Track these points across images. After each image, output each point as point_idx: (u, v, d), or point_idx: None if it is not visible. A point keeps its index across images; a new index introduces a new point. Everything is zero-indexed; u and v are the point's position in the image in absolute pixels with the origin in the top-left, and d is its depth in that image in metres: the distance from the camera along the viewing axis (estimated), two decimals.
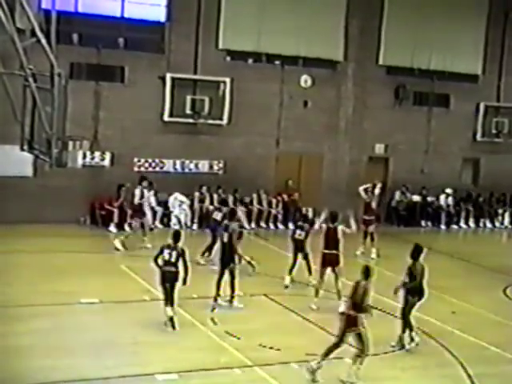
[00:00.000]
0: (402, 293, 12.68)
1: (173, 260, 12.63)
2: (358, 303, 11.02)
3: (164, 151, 22.85)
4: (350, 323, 10.96)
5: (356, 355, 10.99)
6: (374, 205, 20.25)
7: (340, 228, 14.85)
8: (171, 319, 12.57)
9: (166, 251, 12.69)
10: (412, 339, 12.51)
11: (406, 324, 12.55)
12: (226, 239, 14.36)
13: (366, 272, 11.37)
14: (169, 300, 12.56)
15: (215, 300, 14.18)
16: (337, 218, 14.93)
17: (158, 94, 22.42)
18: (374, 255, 19.40)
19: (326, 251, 14.70)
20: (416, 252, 12.81)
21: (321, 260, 14.81)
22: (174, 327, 12.56)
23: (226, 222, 14.91)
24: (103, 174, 21.97)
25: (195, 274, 16.67)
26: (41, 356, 11.06)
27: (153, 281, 15.56)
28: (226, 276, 14.27)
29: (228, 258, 14.25)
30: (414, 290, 12.55)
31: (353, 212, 16.60)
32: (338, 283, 14.64)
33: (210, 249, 17.66)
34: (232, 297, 14.29)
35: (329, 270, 14.81)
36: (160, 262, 12.73)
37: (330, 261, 14.69)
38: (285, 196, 24.17)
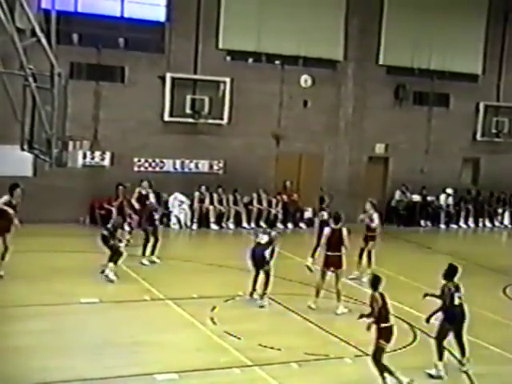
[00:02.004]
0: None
1: None
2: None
3: (164, 151, 22.85)
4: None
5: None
6: (375, 221, 17.35)
7: (344, 229, 14.80)
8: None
9: None
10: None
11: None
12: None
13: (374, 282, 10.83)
14: None
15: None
16: (340, 219, 14.88)
17: (158, 94, 22.43)
18: (365, 279, 16.01)
19: (329, 253, 14.60)
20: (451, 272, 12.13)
21: (323, 261, 14.73)
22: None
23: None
24: (103, 173, 21.98)
25: (195, 274, 16.80)
26: (40, 356, 11.05)
27: (153, 281, 15.63)
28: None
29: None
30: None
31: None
32: (338, 284, 14.59)
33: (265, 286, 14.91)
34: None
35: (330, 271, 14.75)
36: None
37: (332, 263, 14.59)
38: (284, 196, 24.18)
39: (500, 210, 27.49)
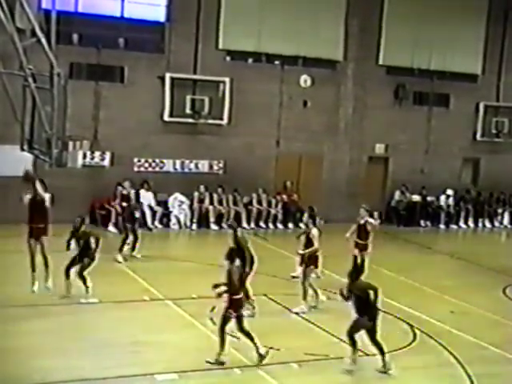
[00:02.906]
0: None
1: None
2: None
3: (164, 151, 22.85)
4: None
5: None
6: (370, 227, 16.57)
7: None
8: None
9: None
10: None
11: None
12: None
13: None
14: None
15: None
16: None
17: (158, 94, 22.43)
18: None
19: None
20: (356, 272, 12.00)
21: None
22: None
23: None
24: (103, 174, 21.98)
25: (195, 274, 16.80)
26: (40, 356, 11.06)
27: (152, 281, 15.64)
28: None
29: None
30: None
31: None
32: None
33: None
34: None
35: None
36: None
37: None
38: (284, 196, 24.18)
39: (500, 210, 27.49)
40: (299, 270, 15.31)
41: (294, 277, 16.27)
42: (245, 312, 13.43)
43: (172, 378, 10.68)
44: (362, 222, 16.47)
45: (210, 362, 11.14)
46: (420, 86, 26.33)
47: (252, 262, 13.72)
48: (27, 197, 13.50)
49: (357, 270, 12.60)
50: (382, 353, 11.36)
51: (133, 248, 17.85)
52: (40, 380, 10.23)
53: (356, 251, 16.41)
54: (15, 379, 10.27)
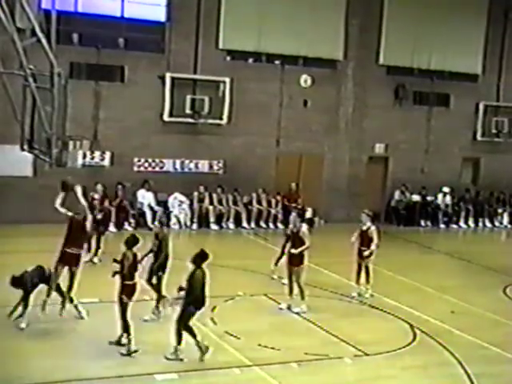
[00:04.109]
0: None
1: None
2: None
3: (164, 151, 22.84)
4: None
5: None
6: (372, 233, 15.59)
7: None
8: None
9: None
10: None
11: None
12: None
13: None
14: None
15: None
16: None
17: (158, 94, 22.42)
18: (368, 294, 15.67)
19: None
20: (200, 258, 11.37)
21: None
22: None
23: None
24: (103, 173, 21.97)
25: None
26: (40, 356, 11.06)
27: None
28: None
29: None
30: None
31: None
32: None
33: None
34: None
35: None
36: None
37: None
38: (285, 200, 23.93)
39: (500, 210, 27.49)
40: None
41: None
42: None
43: (172, 377, 10.69)
44: (365, 228, 15.54)
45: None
46: (420, 86, 26.32)
47: (165, 262, 13.29)
48: (68, 213, 12.62)
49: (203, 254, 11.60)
50: None
51: (95, 252, 17.33)
52: (40, 379, 10.23)
53: (358, 259, 15.66)
54: (15, 379, 10.27)
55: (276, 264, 16.44)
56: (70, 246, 12.45)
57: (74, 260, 12.45)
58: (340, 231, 17.58)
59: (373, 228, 15.53)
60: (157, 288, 13.40)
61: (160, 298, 13.38)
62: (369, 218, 15.68)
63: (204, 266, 11.31)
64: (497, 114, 27.57)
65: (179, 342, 11.35)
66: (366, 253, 15.39)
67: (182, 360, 11.25)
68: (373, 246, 15.39)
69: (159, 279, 13.37)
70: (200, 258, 11.31)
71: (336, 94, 25.07)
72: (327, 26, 24.52)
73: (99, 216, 17.58)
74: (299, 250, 14.30)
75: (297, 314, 14.13)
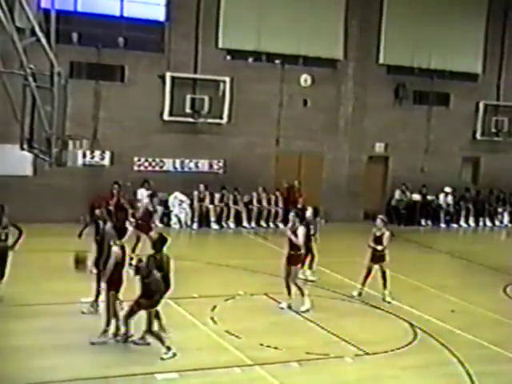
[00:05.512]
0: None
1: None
2: None
3: (164, 150, 22.84)
4: None
5: None
6: (385, 239, 15.38)
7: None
8: None
9: None
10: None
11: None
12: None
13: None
14: None
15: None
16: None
17: (158, 93, 22.41)
18: (389, 298, 15.38)
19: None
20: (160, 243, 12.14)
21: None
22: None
23: None
24: (103, 173, 21.97)
25: (195, 273, 16.79)
26: (40, 355, 11.05)
27: None
28: None
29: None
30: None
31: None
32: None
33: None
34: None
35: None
36: None
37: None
38: (286, 195, 23.93)
39: (500, 210, 27.49)
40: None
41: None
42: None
43: (172, 377, 10.68)
44: (379, 233, 15.32)
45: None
46: (420, 86, 26.33)
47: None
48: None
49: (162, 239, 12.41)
50: None
51: None
52: (40, 379, 10.22)
53: (369, 263, 15.48)
54: (15, 378, 10.26)
55: (310, 267, 16.56)
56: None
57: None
58: (340, 230, 17.59)
59: (387, 234, 15.37)
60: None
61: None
62: (383, 224, 15.53)
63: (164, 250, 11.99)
64: (497, 114, 27.59)
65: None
66: (379, 248, 15.30)
67: (148, 344, 11.59)
68: (379, 247, 15.27)
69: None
70: (160, 242, 12.10)
71: (336, 93, 25.07)
72: (327, 25, 24.52)
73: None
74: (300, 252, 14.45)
75: (306, 311, 14.09)
